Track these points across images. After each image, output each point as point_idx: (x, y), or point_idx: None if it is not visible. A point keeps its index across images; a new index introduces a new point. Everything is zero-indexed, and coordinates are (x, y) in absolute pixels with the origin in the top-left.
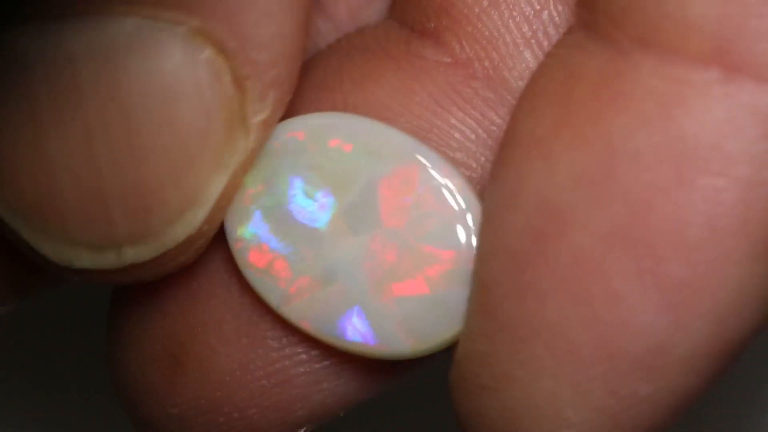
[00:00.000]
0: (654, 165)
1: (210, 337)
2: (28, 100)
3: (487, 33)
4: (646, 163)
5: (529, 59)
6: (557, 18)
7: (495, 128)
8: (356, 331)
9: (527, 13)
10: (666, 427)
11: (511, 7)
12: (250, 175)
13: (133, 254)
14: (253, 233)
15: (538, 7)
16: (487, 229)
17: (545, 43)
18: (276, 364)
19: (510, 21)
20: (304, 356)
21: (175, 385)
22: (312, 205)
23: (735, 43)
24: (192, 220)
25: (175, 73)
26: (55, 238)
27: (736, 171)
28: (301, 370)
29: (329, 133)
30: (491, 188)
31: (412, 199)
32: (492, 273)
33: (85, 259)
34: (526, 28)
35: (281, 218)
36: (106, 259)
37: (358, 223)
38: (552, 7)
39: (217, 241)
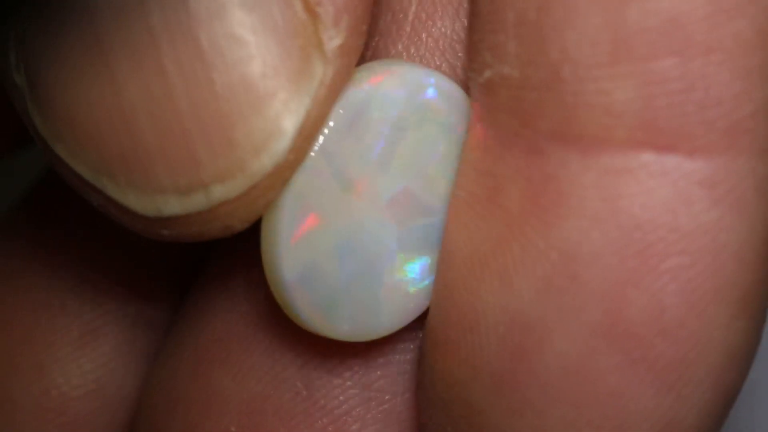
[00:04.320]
0: (617, 261)
1: None
2: (101, 49)
3: None
4: (608, 262)
5: None
6: None
7: None
8: None
9: None
10: None
11: None
12: None
13: (221, 192)
14: None
15: None
16: (452, 354)
17: None
18: None
19: None
20: None
21: None
22: None
23: (662, 123)
24: (276, 150)
25: (246, 4)
26: (142, 187)
27: (696, 245)
28: None
29: None
30: (440, 312)
31: None
32: (480, 395)
33: (173, 205)
34: None
35: None
36: (195, 202)
37: None
38: None
39: None
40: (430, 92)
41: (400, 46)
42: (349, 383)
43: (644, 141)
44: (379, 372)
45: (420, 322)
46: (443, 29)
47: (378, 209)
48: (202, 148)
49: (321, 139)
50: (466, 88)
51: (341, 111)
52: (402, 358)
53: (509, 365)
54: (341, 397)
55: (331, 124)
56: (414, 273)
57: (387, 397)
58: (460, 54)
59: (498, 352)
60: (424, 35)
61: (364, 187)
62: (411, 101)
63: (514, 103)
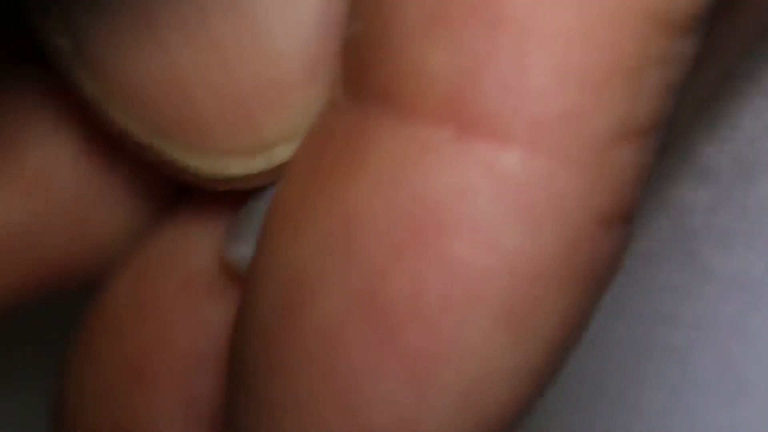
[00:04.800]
0: (390, 230)
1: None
2: (152, 27)
3: None
4: (382, 229)
5: None
6: None
7: None
8: None
9: None
10: None
11: None
12: None
13: (282, 153)
14: None
15: None
16: (243, 305)
17: None
18: None
19: None
20: None
21: None
22: None
23: (468, 99)
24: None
25: None
26: (204, 152)
27: (470, 235)
28: None
29: None
30: (249, 270)
31: None
32: (248, 349)
33: (235, 167)
34: None
35: None
36: (257, 163)
37: None
38: None
39: None
40: None
41: None
42: None
43: (448, 115)
44: None
45: None
46: None
47: None
48: (261, 114)
49: None
50: None
51: None
52: None
53: (277, 320)
54: None
55: None
56: None
57: None
58: None
59: (271, 305)
60: None
61: None
62: None
63: (356, 62)
